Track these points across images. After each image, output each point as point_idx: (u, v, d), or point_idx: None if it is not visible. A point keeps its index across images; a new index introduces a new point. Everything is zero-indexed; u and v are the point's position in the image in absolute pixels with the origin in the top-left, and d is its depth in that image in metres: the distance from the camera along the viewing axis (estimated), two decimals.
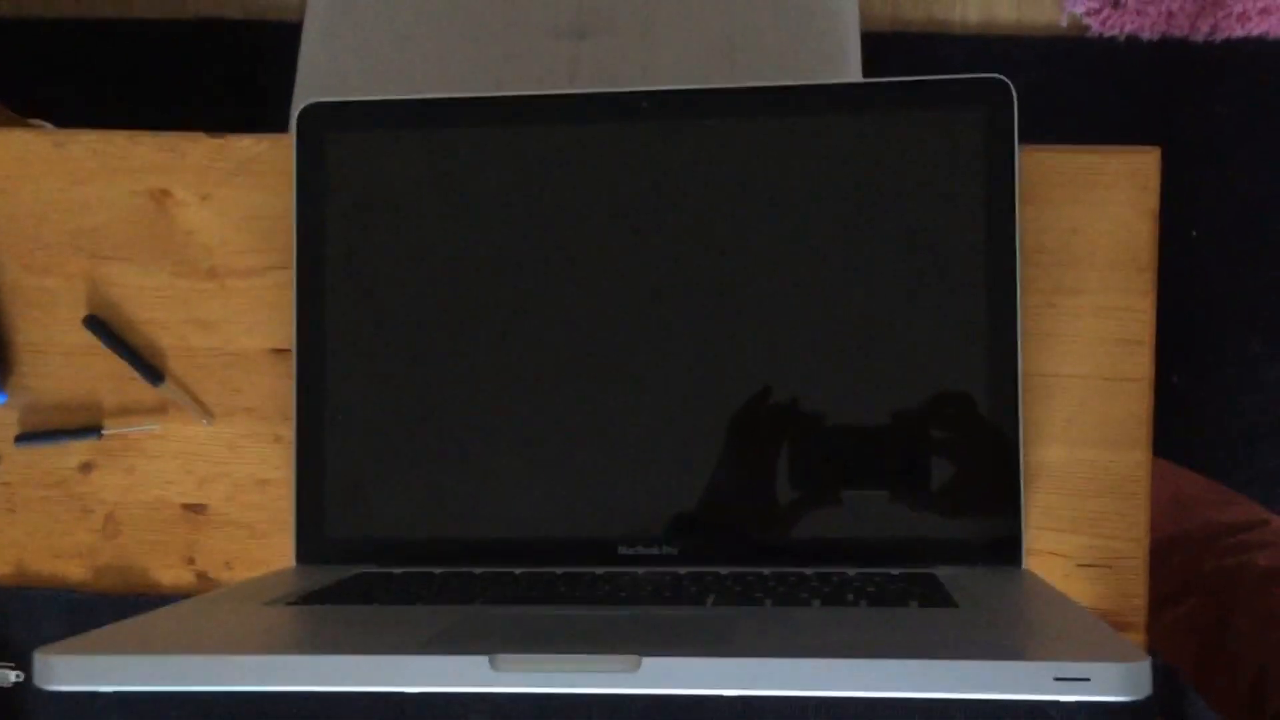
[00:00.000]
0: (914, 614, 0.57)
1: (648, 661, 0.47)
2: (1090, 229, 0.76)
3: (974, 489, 0.72)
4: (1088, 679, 0.45)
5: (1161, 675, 0.47)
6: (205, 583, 0.79)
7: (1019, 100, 0.73)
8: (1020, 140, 0.72)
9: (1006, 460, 0.72)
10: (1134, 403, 0.75)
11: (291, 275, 0.77)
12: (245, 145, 0.81)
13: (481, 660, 0.47)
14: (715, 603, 0.60)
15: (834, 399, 0.73)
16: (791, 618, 0.55)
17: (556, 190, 0.76)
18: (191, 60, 1.71)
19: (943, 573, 0.69)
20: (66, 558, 0.80)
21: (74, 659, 0.49)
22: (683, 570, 0.71)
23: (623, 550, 0.74)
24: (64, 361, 0.81)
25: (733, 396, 0.74)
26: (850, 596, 0.62)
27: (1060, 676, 0.45)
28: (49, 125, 1.24)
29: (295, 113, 1.11)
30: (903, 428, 0.73)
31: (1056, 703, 0.67)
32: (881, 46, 1.55)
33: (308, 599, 0.63)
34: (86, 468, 0.80)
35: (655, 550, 0.74)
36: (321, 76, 1.12)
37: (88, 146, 0.81)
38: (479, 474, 0.75)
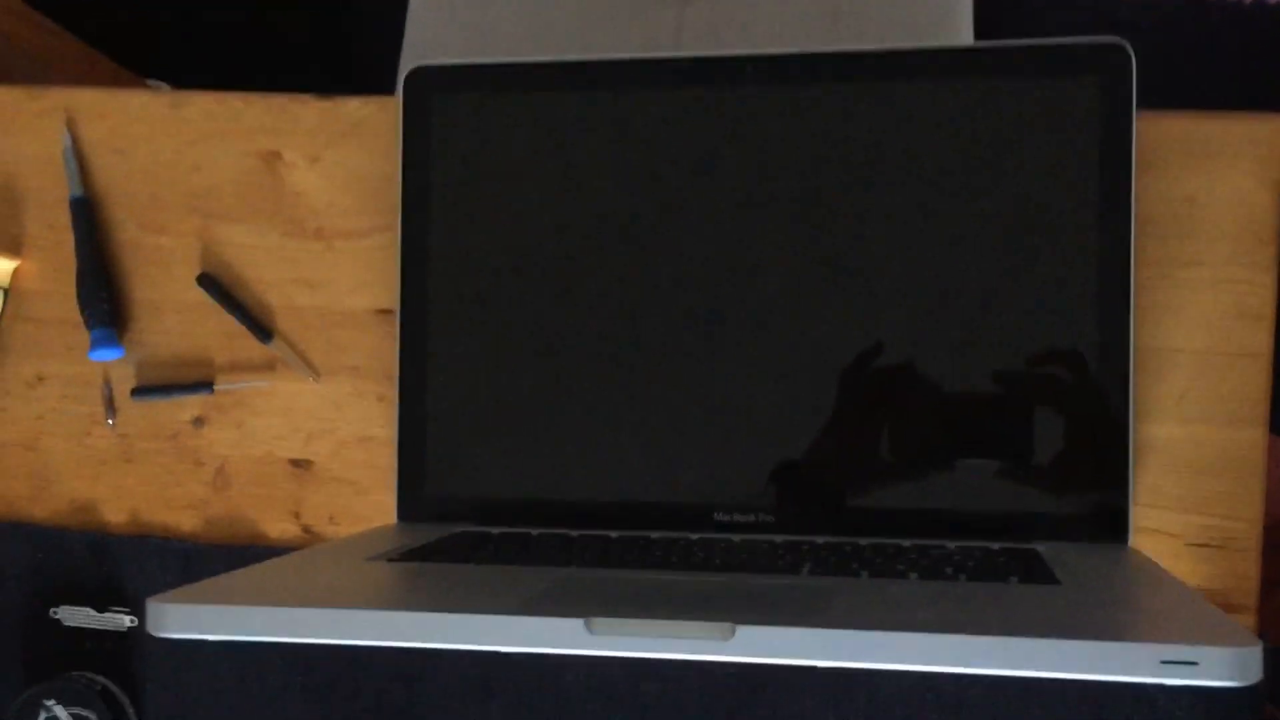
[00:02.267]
0: (1014, 590, 0.56)
1: (742, 630, 0.47)
2: (1209, 199, 0.73)
3: (1081, 463, 0.71)
4: (1195, 663, 0.44)
5: (1271, 659, 0.45)
6: (310, 536, 0.81)
7: (1137, 64, 0.70)
8: (1138, 106, 0.70)
9: (1116, 435, 0.70)
10: (1251, 379, 0.72)
11: (396, 237, 0.78)
12: (353, 108, 0.82)
13: (577, 623, 0.48)
14: (811, 572, 0.60)
15: (941, 367, 0.72)
16: (888, 590, 0.55)
17: (661, 154, 0.75)
18: (298, 20, 1.73)
19: (1046, 549, 0.68)
20: (179, 509, 0.83)
21: (185, 607, 0.50)
22: (779, 539, 0.71)
23: (719, 517, 0.74)
24: (178, 319, 0.83)
25: (836, 363, 0.73)
26: (949, 570, 0.61)
27: (1167, 659, 0.44)
28: (166, 85, 1.27)
29: (402, 75, 1.13)
30: (1010, 399, 0.71)
31: (1162, 686, 0.65)
32: (994, 5, 1.51)
33: (409, 556, 0.64)
34: (199, 422, 0.82)
35: (751, 518, 0.74)
36: (427, 39, 1.13)
37: (202, 109, 0.83)
38: (577, 437, 0.76)
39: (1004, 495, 0.71)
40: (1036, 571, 0.61)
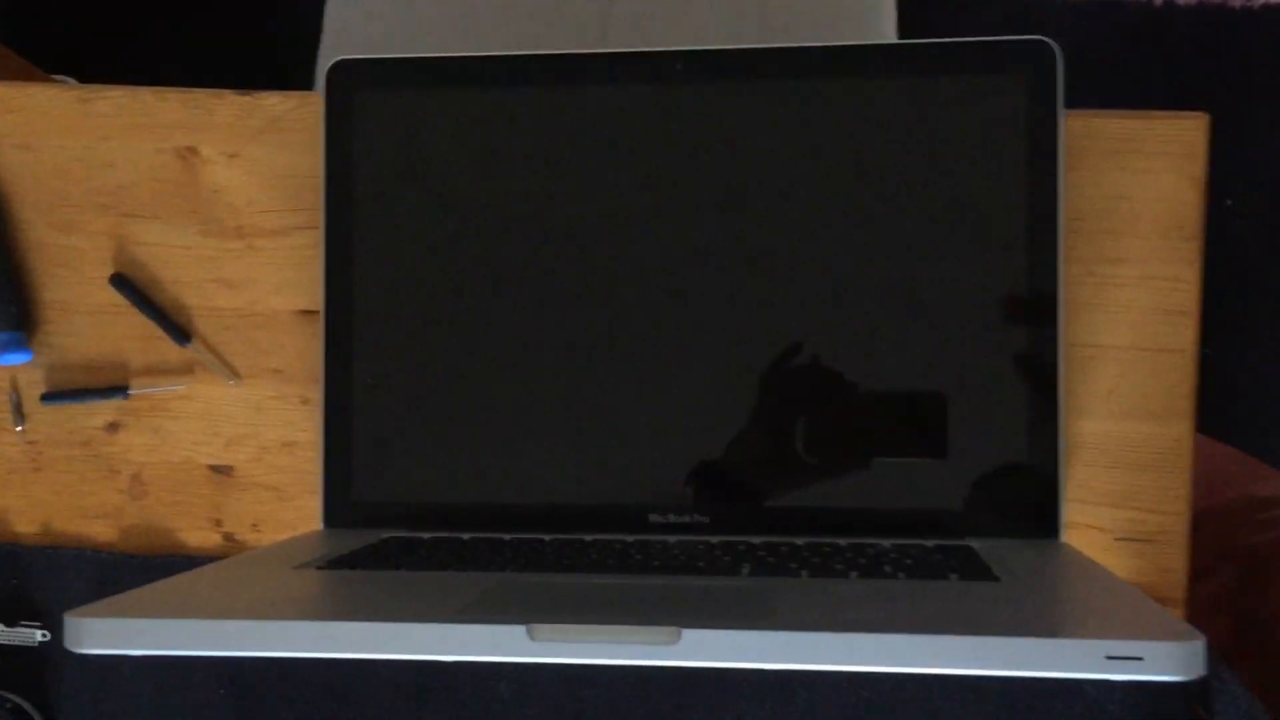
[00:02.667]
0: (955, 587, 0.56)
1: (688, 633, 0.46)
2: (1135, 197, 0.74)
3: (1013, 460, 0.71)
4: (1141, 658, 0.44)
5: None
6: (232, 544, 0.79)
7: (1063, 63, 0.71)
8: (1064, 105, 0.71)
9: (1046, 431, 0.70)
10: (1177, 375, 0.73)
11: (320, 235, 0.76)
12: (273, 103, 0.79)
13: (518, 630, 0.46)
14: (750, 573, 0.59)
15: (868, 366, 0.72)
16: (831, 590, 0.54)
17: (588, 151, 0.74)
18: (212, 14, 1.69)
19: (980, 545, 0.68)
20: (93, 518, 0.80)
21: (104, 622, 0.48)
22: (714, 539, 0.70)
23: (653, 519, 0.73)
24: (90, 320, 0.80)
25: (763, 361, 0.73)
26: (888, 568, 0.61)
27: (1113, 655, 0.44)
28: (73, 81, 1.23)
29: (322, 69, 1.11)
30: (939, 397, 0.71)
31: (1097, 681, 0.66)
32: (915, 4, 1.53)
33: (337, 563, 0.62)
34: (113, 427, 0.79)
35: (686, 519, 0.73)
36: (347, 33, 1.10)
37: (113, 103, 0.80)
38: (508, 439, 0.74)
39: (937, 493, 0.71)
40: (974, 568, 0.61)
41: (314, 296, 0.78)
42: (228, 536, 0.79)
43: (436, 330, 0.75)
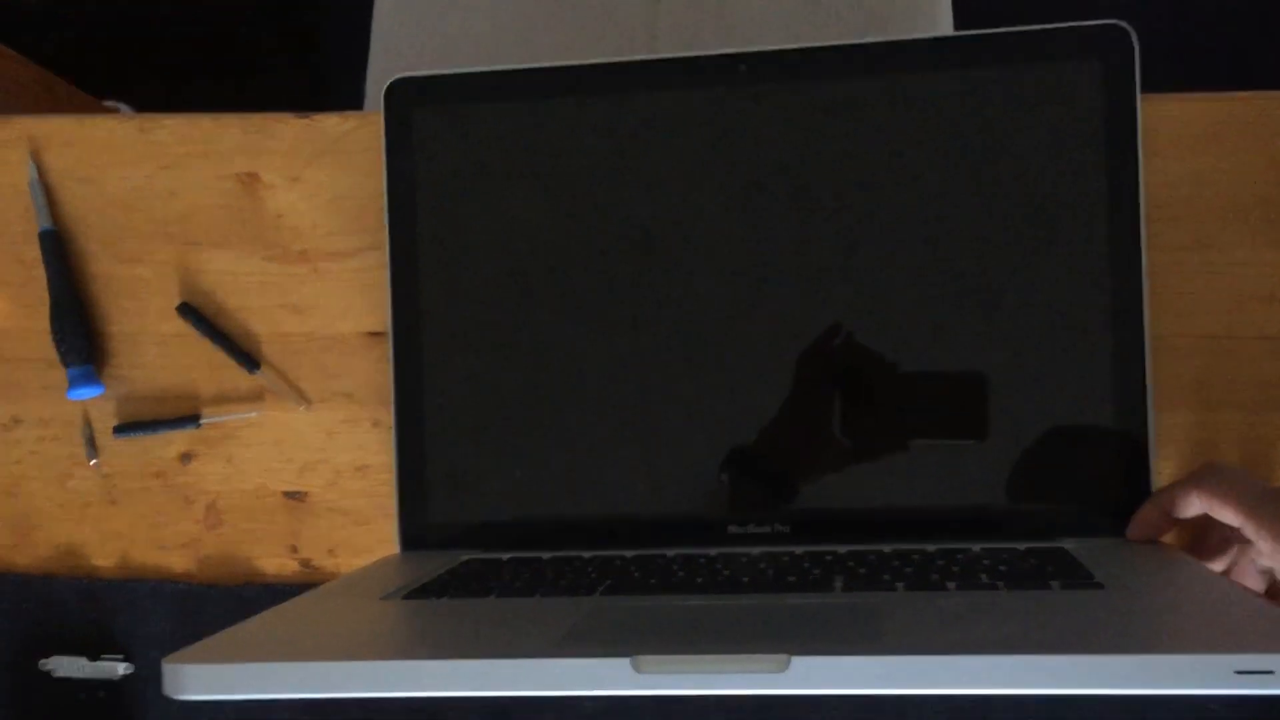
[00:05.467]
0: (1060, 598, 0.54)
1: (797, 660, 0.45)
2: (1217, 180, 0.72)
3: (1102, 456, 0.69)
4: (1272, 671, 0.42)
5: None
6: (310, 570, 0.78)
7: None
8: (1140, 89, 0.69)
9: (1135, 426, 0.69)
10: (1273, 362, 0.71)
11: (384, 256, 0.75)
12: (332, 124, 0.79)
13: (622, 662, 0.45)
14: (845, 588, 0.58)
15: (956, 365, 0.70)
16: (934, 605, 0.53)
17: (652, 159, 0.73)
18: (254, 29, 1.69)
19: (1073, 546, 0.66)
20: (170, 549, 0.79)
21: (204, 668, 0.47)
22: (798, 550, 0.69)
23: (733, 529, 0.72)
24: (159, 351, 0.80)
25: (847, 367, 0.71)
26: (985, 577, 0.59)
27: (1242, 670, 0.42)
28: (125, 106, 1.23)
29: (370, 83, 1.10)
30: (1027, 393, 0.70)
31: (1219, 695, 0.64)
32: None
33: (423, 592, 0.61)
34: (186, 457, 0.79)
35: (766, 529, 0.72)
36: (395, 45, 1.10)
37: (173, 131, 0.80)
38: (582, 454, 0.73)
39: (1025, 492, 0.70)
40: (1074, 573, 0.59)
41: (381, 318, 0.78)
42: (304, 563, 0.78)
43: (504, 347, 0.74)
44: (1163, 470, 0.72)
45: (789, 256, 0.72)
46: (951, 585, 0.58)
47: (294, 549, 0.78)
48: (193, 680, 0.47)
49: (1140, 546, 0.66)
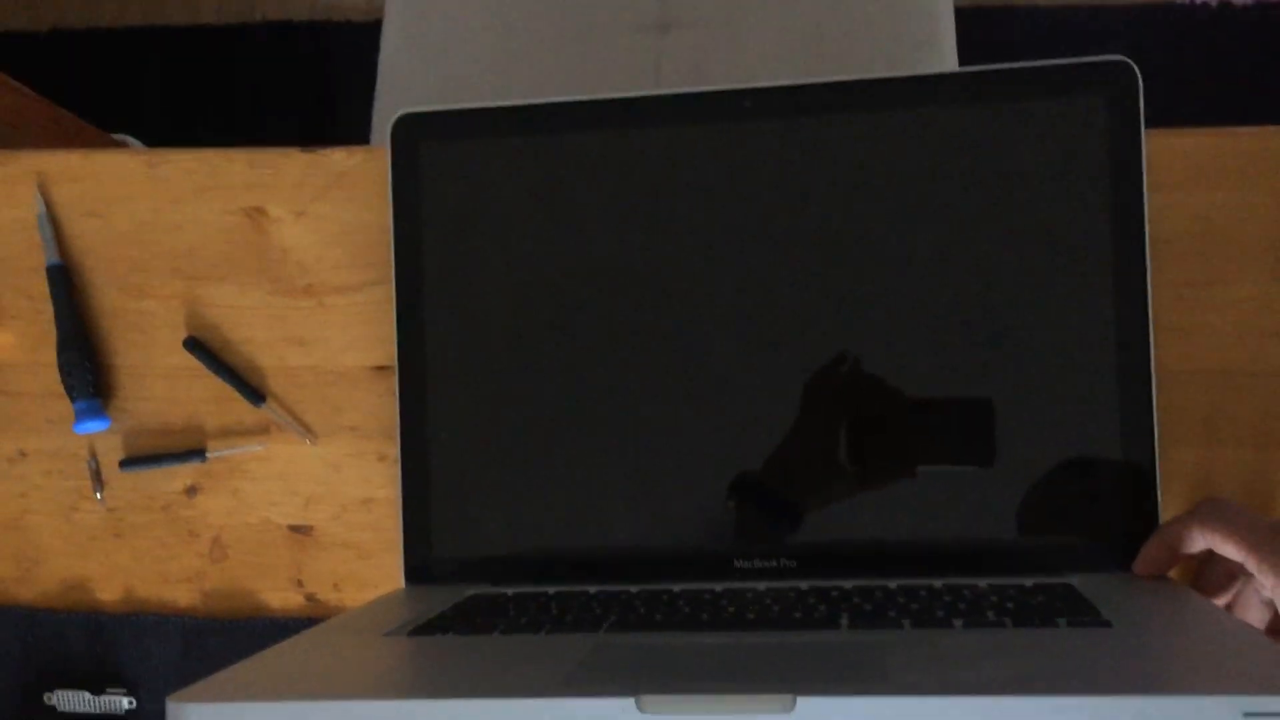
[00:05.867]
0: (1066, 636, 0.54)
1: (803, 701, 0.44)
2: (1221, 216, 0.72)
3: (1107, 491, 0.69)
4: (1278, 714, 0.42)
5: None
6: (314, 605, 0.78)
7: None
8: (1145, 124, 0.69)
9: (1141, 460, 0.68)
10: (1276, 399, 0.71)
11: (390, 290, 0.75)
12: (338, 159, 0.79)
13: (627, 702, 0.45)
14: (850, 624, 0.58)
15: (956, 401, 0.70)
16: (940, 644, 0.53)
17: (657, 194, 0.73)
18: (261, 63, 1.71)
19: (1079, 581, 0.66)
20: (174, 582, 0.79)
21: (208, 707, 0.47)
22: (804, 585, 0.68)
23: (739, 564, 0.72)
24: (165, 384, 0.80)
25: (847, 402, 0.71)
26: (991, 614, 0.59)
27: (1250, 712, 0.42)
28: (134, 140, 1.24)
29: (376, 117, 1.11)
30: (1032, 428, 0.70)
31: None
32: (967, 22, 1.51)
33: (428, 628, 0.61)
34: (192, 491, 0.79)
35: (773, 563, 0.72)
36: (401, 81, 1.10)
37: (179, 167, 0.80)
38: (587, 487, 0.73)
39: (1030, 527, 0.70)
40: (1081, 610, 0.59)
41: (387, 352, 0.78)
42: (309, 597, 0.78)
43: (510, 381, 0.74)
44: (1168, 506, 0.72)
45: (795, 290, 0.72)
46: (958, 623, 0.58)
47: (299, 583, 0.78)
48: (197, 719, 0.47)
49: (1146, 583, 0.66)
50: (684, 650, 0.54)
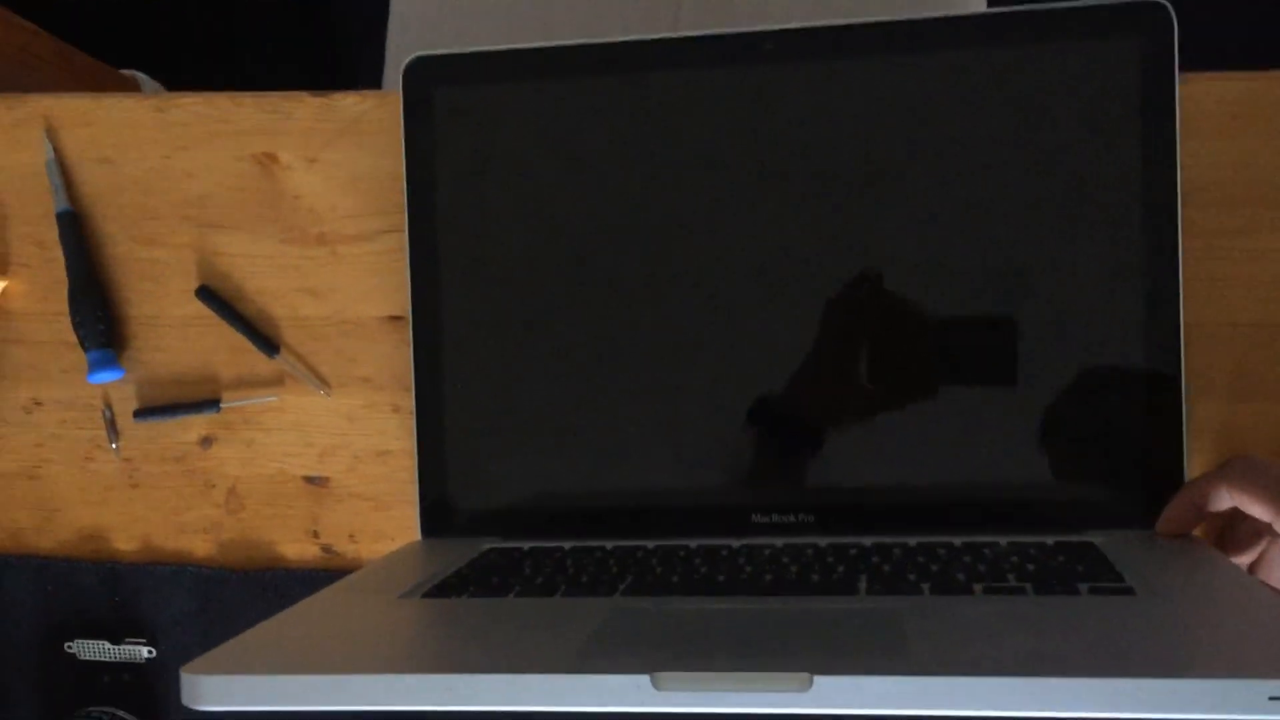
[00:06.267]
0: (1089, 606, 0.53)
1: (820, 680, 0.44)
2: (1259, 162, 0.70)
3: (1132, 445, 0.68)
4: None
5: None
6: (331, 555, 0.78)
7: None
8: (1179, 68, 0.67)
9: (1168, 415, 0.67)
10: None
11: (404, 239, 0.74)
12: (350, 104, 0.77)
13: (643, 679, 0.45)
14: (869, 589, 0.57)
15: (981, 349, 0.69)
16: (959, 614, 0.52)
17: (676, 137, 0.72)
18: (272, 5, 1.67)
19: (1101, 540, 0.65)
20: (191, 533, 0.79)
21: (223, 679, 0.47)
22: (822, 542, 0.68)
23: (756, 518, 0.71)
24: (178, 334, 0.79)
25: (868, 350, 0.70)
26: (1012, 577, 0.58)
27: (1277, 695, 0.41)
28: (145, 76, 1.22)
29: (388, 62, 1.08)
30: (1057, 380, 0.68)
31: None
32: None
33: (444, 588, 0.61)
34: (206, 441, 0.79)
35: (790, 518, 0.71)
36: (414, 24, 1.08)
37: (190, 111, 0.78)
38: (605, 434, 0.73)
39: (1053, 482, 0.69)
40: (1103, 575, 0.58)
41: (401, 302, 0.77)
42: (326, 548, 0.78)
43: (526, 331, 0.73)
44: (1195, 462, 0.70)
45: (815, 229, 0.70)
46: (978, 587, 0.57)
47: (315, 534, 0.78)
48: (211, 691, 0.47)
49: (1171, 543, 0.65)
50: (699, 620, 0.53)
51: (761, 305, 0.71)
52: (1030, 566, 0.60)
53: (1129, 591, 0.55)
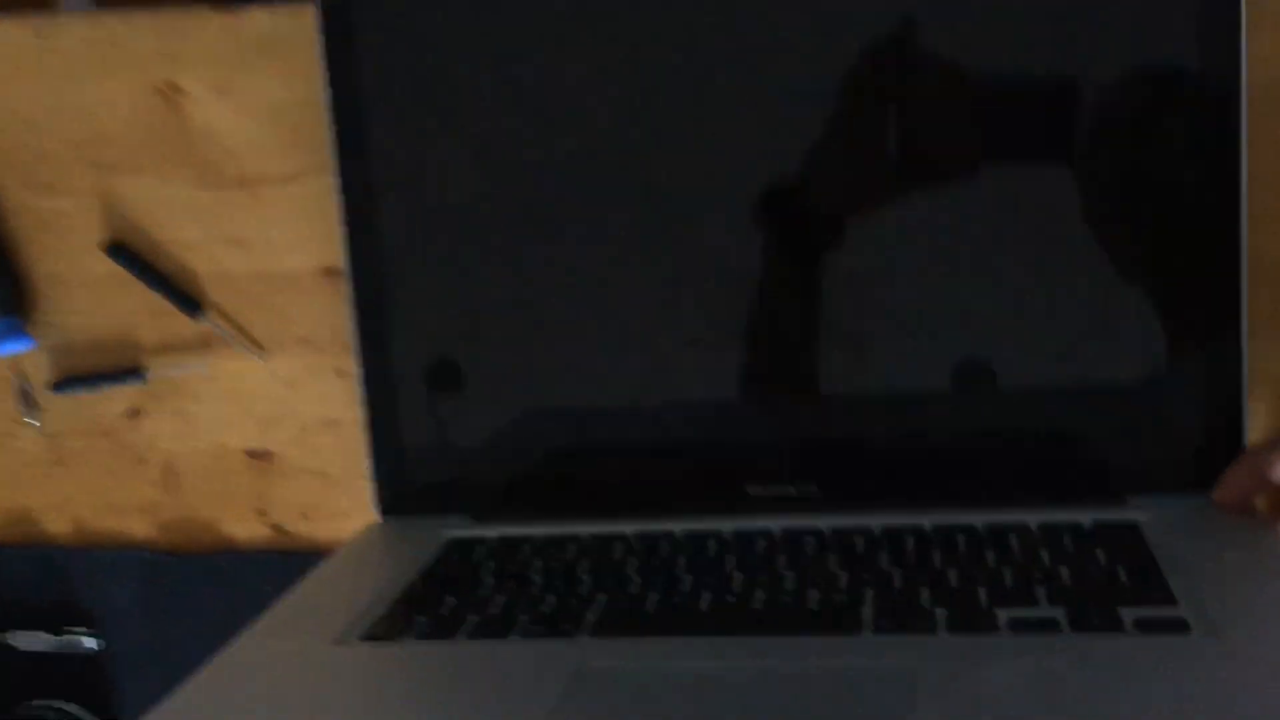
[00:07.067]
0: (1134, 654, 0.45)
1: None
2: None
3: (1184, 397, 0.60)
4: None
5: None
6: (283, 536, 0.71)
7: None
8: None
9: (1227, 365, 0.58)
10: None
11: (333, 178, 0.63)
12: (260, 21, 0.66)
13: None
14: (875, 627, 0.49)
15: (1010, 283, 0.60)
16: (977, 670, 0.44)
17: (625, 34, 0.61)
18: None
19: (1145, 519, 0.57)
20: (127, 513, 0.72)
21: None
22: (825, 527, 0.59)
23: (752, 490, 0.63)
24: (90, 294, 0.70)
25: (876, 285, 0.61)
26: (1042, 593, 0.50)
27: None
28: None
29: None
30: (1099, 325, 0.60)
31: None
32: None
33: (389, 623, 0.53)
34: (134, 414, 0.70)
35: (791, 490, 0.63)
36: None
37: (76, 36, 0.67)
38: (576, 389, 0.64)
39: (1093, 439, 0.61)
40: (1150, 590, 0.50)
41: (335, 251, 0.67)
42: (276, 528, 0.71)
43: (479, 277, 0.64)
44: (1255, 413, 0.61)
45: (796, 135, 0.60)
46: (1002, 616, 0.49)
47: (262, 512, 0.71)
48: None
49: (1230, 520, 0.57)
50: (678, 691, 0.45)
51: (738, 235, 0.61)
52: (1064, 571, 0.52)
53: (1181, 625, 0.47)
